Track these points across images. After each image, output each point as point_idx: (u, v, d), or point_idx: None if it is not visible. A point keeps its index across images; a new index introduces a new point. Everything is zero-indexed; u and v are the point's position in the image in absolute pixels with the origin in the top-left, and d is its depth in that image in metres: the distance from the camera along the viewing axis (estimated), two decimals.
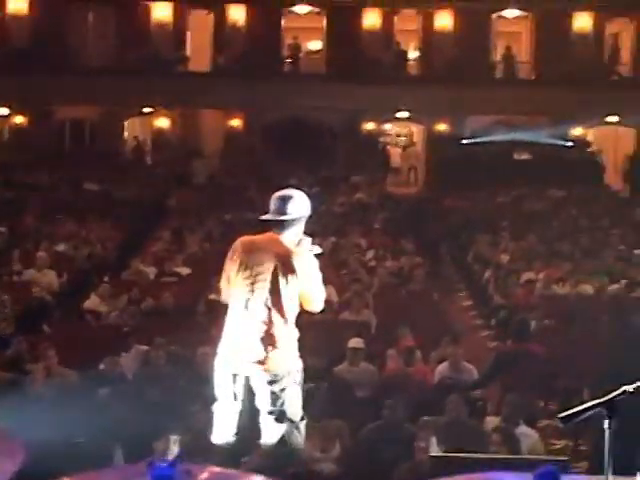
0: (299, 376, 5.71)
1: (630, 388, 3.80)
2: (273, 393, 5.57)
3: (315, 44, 33.15)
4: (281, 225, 5.56)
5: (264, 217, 5.60)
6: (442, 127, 30.58)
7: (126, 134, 32.52)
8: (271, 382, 5.55)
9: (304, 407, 8.53)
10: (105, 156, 29.86)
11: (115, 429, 7.82)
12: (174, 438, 6.86)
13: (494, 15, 31.62)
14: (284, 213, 5.56)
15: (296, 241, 5.59)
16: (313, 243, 5.69)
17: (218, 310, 13.49)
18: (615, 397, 3.79)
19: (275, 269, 5.45)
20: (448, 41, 31.13)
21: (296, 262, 5.46)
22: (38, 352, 10.54)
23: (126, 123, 32.42)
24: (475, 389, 10.10)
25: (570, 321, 13.52)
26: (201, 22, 31.64)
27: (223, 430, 5.72)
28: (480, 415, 9.12)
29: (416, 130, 34.06)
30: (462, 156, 27.81)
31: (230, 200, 23.21)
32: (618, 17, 31.58)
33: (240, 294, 5.59)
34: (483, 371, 10.44)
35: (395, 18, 31.69)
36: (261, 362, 5.52)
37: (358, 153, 29.89)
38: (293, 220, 5.55)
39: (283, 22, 31.80)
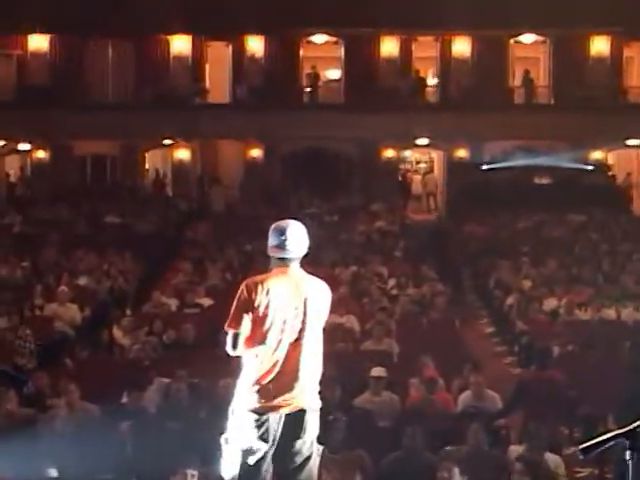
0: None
1: None
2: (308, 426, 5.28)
3: (333, 73, 33.27)
4: (293, 258, 5.34)
5: (281, 255, 5.31)
6: (461, 153, 30.58)
7: (147, 166, 32.70)
8: (307, 419, 5.26)
9: (324, 438, 8.53)
10: (125, 189, 30.06)
11: (135, 463, 7.82)
12: (191, 473, 6.85)
13: (511, 41, 31.67)
14: (297, 244, 5.34)
15: None
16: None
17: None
18: (637, 427, 3.74)
19: (305, 304, 5.22)
20: (466, 67, 31.18)
21: (322, 292, 5.33)
22: (60, 387, 10.55)
23: (147, 156, 32.62)
24: (498, 418, 10.03)
25: (593, 347, 13.42)
26: (220, 54, 31.83)
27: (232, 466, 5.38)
28: (503, 444, 9.05)
29: (435, 157, 34.06)
30: (482, 182, 27.78)
31: (250, 230, 23.22)
32: (635, 41, 31.51)
33: (269, 337, 5.20)
34: (506, 399, 10.35)
35: (413, 45, 31.77)
36: (290, 400, 5.20)
37: (377, 181, 29.91)
38: (302, 252, 5.36)
39: (301, 52, 31.95)
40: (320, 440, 8.47)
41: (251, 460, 5.20)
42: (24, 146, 31.00)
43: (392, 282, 17.90)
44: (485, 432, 8.48)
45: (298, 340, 5.17)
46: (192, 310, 15.94)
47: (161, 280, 19.95)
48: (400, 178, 32.27)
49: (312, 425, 5.28)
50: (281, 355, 5.18)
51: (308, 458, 5.28)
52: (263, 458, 5.21)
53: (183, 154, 31.24)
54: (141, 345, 13.26)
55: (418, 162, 35.72)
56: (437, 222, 27.73)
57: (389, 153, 30.96)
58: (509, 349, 15.81)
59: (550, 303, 15.97)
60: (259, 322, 5.18)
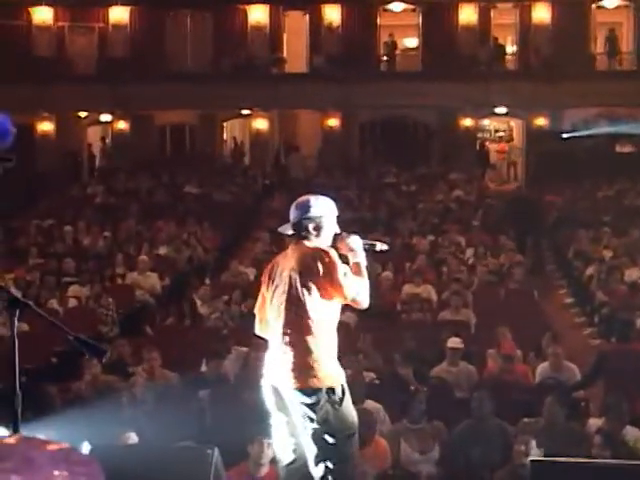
0: (339, 390, 5.10)
1: None
2: (309, 410, 5.05)
3: (411, 41, 32.98)
4: (301, 232, 5.17)
5: (279, 229, 5.38)
6: (541, 122, 30.11)
7: (225, 136, 32.93)
8: (304, 399, 5.05)
9: (404, 409, 8.55)
10: (205, 159, 30.33)
11: (213, 431, 7.93)
12: (268, 442, 6.91)
13: (593, 5, 31.01)
14: (293, 219, 5.22)
15: (328, 241, 5.21)
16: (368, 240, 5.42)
17: None
18: None
19: (291, 275, 5.06)
20: (546, 34, 30.62)
21: (312, 260, 5.03)
22: (141, 354, 10.74)
23: (225, 125, 32.84)
24: (577, 390, 9.93)
25: None
26: (297, 23, 31.78)
27: (283, 450, 5.33)
28: (583, 417, 8.96)
29: (515, 125, 33.66)
30: (562, 150, 27.38)
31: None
32: None
33: (271, 313, 5.20)
34: (585, 371, 10.24)
35: (491, 12, 31.33)
36: (293, 379, 5.06)
37: (456, 150, 29.68)
38: (311, 223, 5.16)
39: (378, 20, 31.71)
40: (401, 410, 8.54)
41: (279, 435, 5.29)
42: (105, 117, 31.44)
43: (470, 252, 17.80)
44: (563, 404, 8.39)
45: (294, 315, 5.05)
46: None
47: (239, 250, 20.14)
48: (478, 147, 31.96)
49: (315, 407, 5.00)
50: (278, 331, 5.11)
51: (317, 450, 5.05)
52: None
53: (261, 124, 31.34)
54: (219, 314, 13.44)
55: (497, 131, 35.34)
56: (516, 191, 27.41)
57: (467, 122, 30.62)
58: (589, 320, 15.61)
59: (632, 273, 15.70)
60: (263, 302, 5.29)
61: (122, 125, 31.38)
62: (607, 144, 27.82)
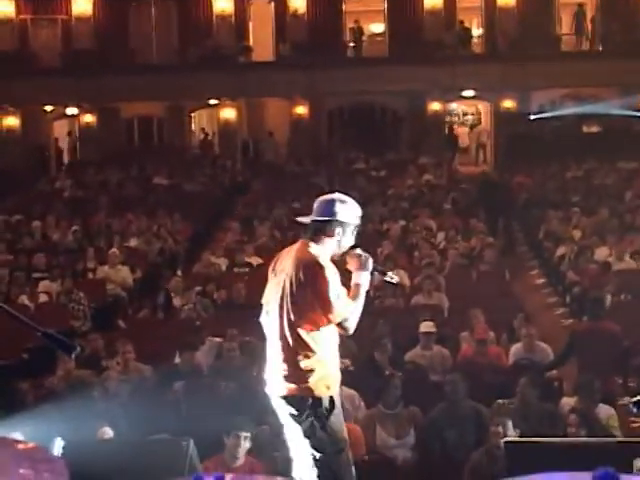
0: (327, 401, 4.85)
1: None
2: (293, 421, 4.87)
3: (377, 27, 32.97)
4: (312, 230, 4.93)
5: (299, 219, 5.05)
6: (509, 104, 30.18)
7: (193, 127, 32.80)
8: (288, 408, 4.88)
9: (380, 394, 8.56)
10: (173, 150, 30.21)
11: (188, 423, 7.90)
12: (244, 435, 6.91)
13: None
14: (316, 215, 4.93)
15: (339, 250, 4.96)
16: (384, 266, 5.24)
17: None
18: None
19: (285, 278, 4.86)
20: (511, 16, 30.67)
21: (305, 271, 4.79)
22: (114, 348, 10.69)
23: (193, 116, 32.70)
24: (550, 369, 9.99)
25: None
26: (262, 12, 31.65)
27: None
28: (556, 396, 9.01)
29: (482, 108, 33.74)
30: (530, 132, 27.51)
31: (298, 187, 23.26)
32: None
33: (269, 306, 4.99)
34: (558, 351, 10.30)
35: None
36: (278, 385, 4.90)
37: (425, 134, 29.72)
38: (329, 227, 4.90)
39: (344, 6, 31.65)
40: (376, 396, 8.55)
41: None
42: (72, 110, 31.23)
43: (441, 236, 17.85)
44: (537, 385, 8.43)
45: (282, 319, 4.87)
46: (242, 269, 16.04)
47: (211, 240, 20.09)
48: (447, 131, 32.02)
49: (298, 418, 4.81)
50: (270, 334, 4.96)
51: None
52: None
53: (229, 114, 31.24)
54: (192, 305, 13.38)
55: (465, 114, 35.43)
56: (486, 174, 27.50)
57: (436, 106, 30.66)
58: (560, 300, 15.72)
59: (602, 253, 15.82)
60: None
61: (89, 118, 31.19)
62: (574, 125, 27.95)
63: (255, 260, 16.47)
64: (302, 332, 4.81)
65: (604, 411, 8.10)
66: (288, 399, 4.84)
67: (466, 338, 10.91)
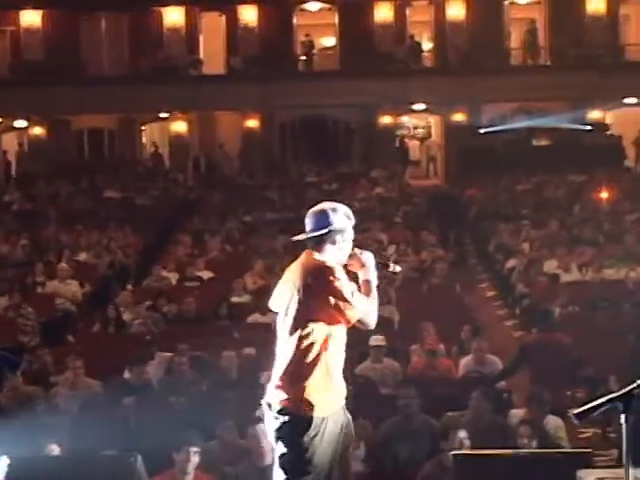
0: (301, 421, 4.65)
1: None
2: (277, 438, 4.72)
3: (328, 40, 33.10)
4: (314, 243, 4.83)
5: (294, 238, 4.96)
6: (460, 117, 30.44)
7: (144, 140, 32.63)
8: (275, 423, 4.72)
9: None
10: (124, 163, 30.01)
11: (137, 439, 7.83)
12: (194, 450, 6.86)
13: (507, 2, 31.44)
14: (313, 229, 4.84)
15: (344, 256, 4.88)
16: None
17: (241, 313, 13.59)
18: (631, 391, 3.73)
19: (291, 289, 4.76)
20: (461, 30, 30.97)
21: (314, 277, 4.69)
22: (63, 363, 10.57)
23: (144, 129, 32.54)
24: (499, 381, 10.04)
25: (594, 308, 13.44)
26: (213, 25, 31.65)
27: None
28: (506, 408, 9.05)
29: (434, 121, 33.95)
30: (481, 145, 27.69)
31: (250, 201, 23.23)
32: None
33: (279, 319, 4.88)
34: (507, 363, 10.37)
35: (407, 10, 31.57)
36: (270, 392, 4.77)
37: (376, 147, 29.84)
38: (329, 236, 4.81)
39: (295, 20, 31.76)
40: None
41: None
42: (21, 123, 30.90)
43: (392, 249, 17.88)
44: (489, 397, 8.47)
45: (286, 330, 4.74)
46: (192, 283, 15.96)
47: (162, 254, 19.94)
48: (398, 144, 32.17)
49: (275, 430, 4.68)
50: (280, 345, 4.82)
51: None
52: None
53: (180, 126, 31.16)
54: (142, 320, 13.27)
55: (416, 127, 35.63)
56: (437, 187, 27.67)
57: (387, 119, 30.82)
58: (510, 312, 15.83)
59: (551, 265, 15.96)
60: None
61: (38, 131, 30.91)
62: (524, 138, 28.19)
63: (206, 274, 16.40)
64: (299, 345, 4.67)
65: (552, 422, 8.15)
66: (272, 410, 4.71)
67: (416, 351, 10.94)
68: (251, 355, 10.80)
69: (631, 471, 3.88)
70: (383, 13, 31.10)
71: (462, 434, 7.46)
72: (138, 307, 14.03)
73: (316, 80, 30.16)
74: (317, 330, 4.66)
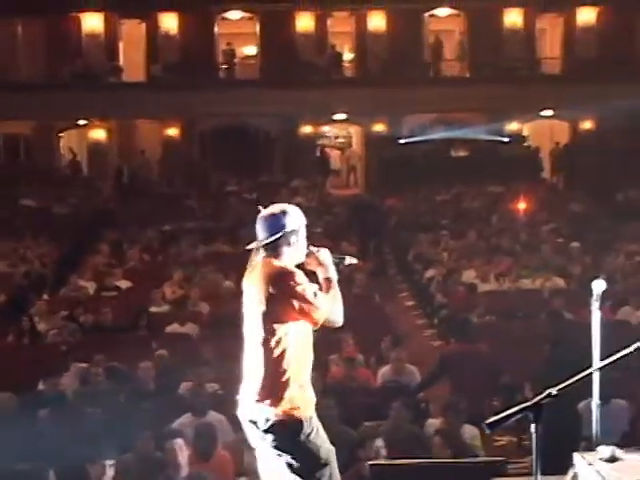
0: (307, 415, 4.73)
1: (554, 391, 3.79)
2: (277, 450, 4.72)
3: (250, 49, 33.06)
4: (271, 249, 4.83)
5: (249, 246, 4.94)
6: (380, 127, 30.64)
7: (62, 148, 32.15)
8: (268, 438, 4.71)
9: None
10: (41, 171, 29.52)
11: (52, 452, 7.68)
12: (109, 463, 6.76)
13: (426, 14, 31.77)
14: (267, 235, 4.84)
15: (301, 256, 4.92)
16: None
17: (159, 323, 13.45)
18: (540, 400, 3.77)
19: (256, 296, 4.75)
20: (382, 42, 31.20)
21: (276, 283, 4.71)
22: None
23: (62, 136, 32.06)
24: (418, 392, 10.10)
25: (511, 317, 13.62)
26: (133, 32, 31.36)
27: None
28: (424, 418, 9.11)
29: (354, 131, 34.12)
30: (401, 155, 27.89)
31: (169, 210, 23.05)
32: (547, 12, 31.91)
33: (246, 329, 4.88)
34: (425, 373, 10.43)
35: (328, 21, 31.71)
36: (251, 408, 4.74)
37: (297, 157, 29.88)
38: (284, 239, 4.83)
39: (216, 29, 31.65)
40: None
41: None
42: None
43: None
44: (408, 407, 8.51)
45: (256, 337, 4.74)
46: (110, 293, 15.77)
47: (79, 263, 19.66)
48: (319, 153, 32.25)
49: (272, 445, 4.66)
50: (246, 349, 4.82)
51: None
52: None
53: (99, 134, 30.79)
54: (58, 330, 13.06)
55: (337, 137, 35.77)
56: (357, 197, 27.79)
57: (308, 129, 30.89)
58: (429, 322, 15.95)
59: (469, 275, 16.13)
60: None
61: None
62: (443, 149, 28.49)
63: (124, 284, 16.23)
64: (272, 350, 4.68)
65: (469, 431, 8.23)
66: (254, 422, 4.67)
67: (335, 361, 10.93)
68: (170, 365, 10.70)
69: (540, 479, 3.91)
70: (304, 23, 31.19)
71: (379, 443, 7.49)
72: (54, 317, 13.81)
73: (237, 89, 30.08)
74: (285, 336, 4.68)
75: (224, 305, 13.80)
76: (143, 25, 31.19)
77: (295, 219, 4.89)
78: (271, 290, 4.68)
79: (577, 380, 3.95)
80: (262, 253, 4.86)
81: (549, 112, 30.54)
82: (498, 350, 11.26)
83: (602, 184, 26.06)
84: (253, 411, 4.69)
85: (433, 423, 8.47)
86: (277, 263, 4.79)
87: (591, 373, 4.39)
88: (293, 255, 4.87)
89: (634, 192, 24.84)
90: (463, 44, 32.07)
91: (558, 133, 31.99)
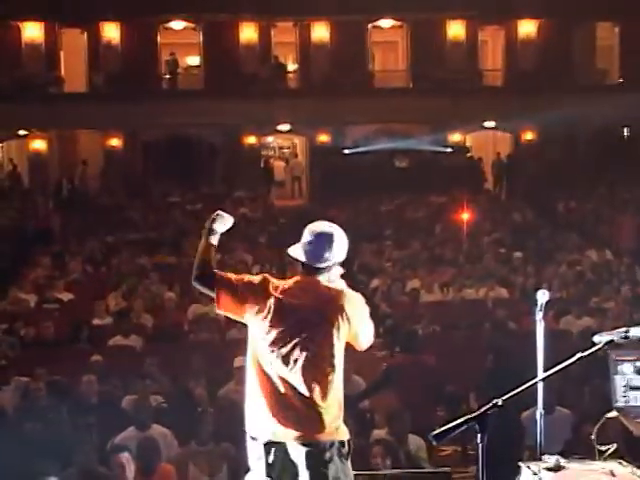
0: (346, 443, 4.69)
1: (500, 401, 3.79)
2: (316, 467, 4.58)
3: (193, 60, 32.94)
4: (318, 266, 4.76)
5: (303, 260, 4.78)
6: (324, 138, 30.71)
7: (1, 158, 31.73)
8: (313, 453, 4.58)
9: (193, 430, 8.43)
10: None
11: None
12: (52, 479, 6.64)
13: (370, 25, 31.92)
14: (324, 257, 4.76)
15: (337, 278, 4.86)
16: None
17: (101, 336, 13.28)
18: (486, 411, 3.77)
19: (319, 317, 4.62)
20: (325, 52, 31.30)
21: (346, 302, 4.68)
22: None
23: (1, 147, 31.64)
24: (362, 401, 10.08)
25: (455, 327, 13.68)
26: (74, 41, 31.05)
27: None
28: (369, 429, 9.09)
29: (298, 142, 34.15)
30: (345, 166, 27.98)
31: (111, 221, 22.84)
32: (489, 25, 32.25)
33: (266, 350, 4.67)
34: (369, 383, 10.42)
35: (272, 31, 31.71)
36: (302, 430, 4.58)
37: (240, 168, 29.80)
38: (331, 259, 4.78)
39: (159, 38, 31.48)
40: (189, 433, 8.40)
41: None
42: None
43: (256, 269, 17.82)
44: (350, 417, 8.46)
45: (308, 361, 4.59)
46: (52, 305, 15.54)
47: (19, 276, 19.35)
48: (263, 164, 32.21)
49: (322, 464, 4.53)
50: (281, 375, 4.61)
51: None
52: None
53: (39, 145, 30.43)
54: None
55: (281, 148, 35.78)
56: (301, 207, 27.78)
57: (251, 139, 30.85)
58: (374, 332, 15.93)
59: (413, 285, 16.19)
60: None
61: None
62: (387, 159, 28.62)
63: (66, 296, 16.01)
64: (328, 374, 4.63)
65: (413, 441, 8.23)
66: (313, 444, 4.56)
67: None
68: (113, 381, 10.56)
69: None
70: (248, 34, 31.15)
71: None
72: None
73: (180, 99, 29.94)
74: (339, 354, 4.67)
75: (167, 316, 13.70)
76: (84, 35, 30.91)
77: (343, 246, 4.88)
78: (347, 312, 4.64)
79: (523, 390, 3.96)
80: (310, 270, 4.76)
81: (491, 123, 30.85)
82: (442, 360, 11.30)
83: (543, 194, 26.38)
84: (304, 432, 4.55)
85: (379, 434, 8.46)
86: (335, 286, 4.76)
87: (536, 383, 4.40)
88: (331, 275, 4.83)
89: (575, 202, 25.17)
90: (406, 55, 32.26)
91: (500, 144, 32.35)
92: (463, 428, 3.73)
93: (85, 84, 30.88)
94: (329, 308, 4.64)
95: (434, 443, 3.91)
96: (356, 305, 4.73)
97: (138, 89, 29.25)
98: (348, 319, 4.65)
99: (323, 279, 4.76)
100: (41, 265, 18.61)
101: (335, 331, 4.61)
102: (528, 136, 31.38)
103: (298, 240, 4.73)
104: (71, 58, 31.10)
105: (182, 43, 32.08)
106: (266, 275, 4.85)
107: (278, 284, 4.73)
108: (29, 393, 10.12)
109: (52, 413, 9.61)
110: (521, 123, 29.89)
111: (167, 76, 31.70)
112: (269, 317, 4.64)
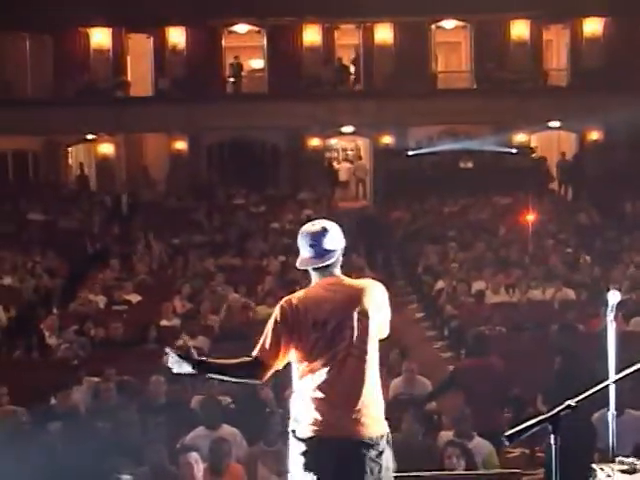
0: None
1: (573, 402, 3.79)
2: (372, 461, 4.62)
3: (257, 63, 33.13)
4: (330, 266, 4.85)
5: (312, 265, 4.87)
6: (387, 140, 30.65)
7: (70, 162, 32.24)
8: (367, 448, 4.61)
9: (261, 431, 8.51)
10: (49, 185, 29.60)
11: (65, 467, 7.68)
12: (124, 477, 6.75)
13: (433, 26, 31.81)
14: (327, 251, 4.84)
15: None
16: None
17: (170, 336, 13.46)
18: (559, 412, 3.77)
19: (354, 314, 4.70)
20: (388, 54, 31.24)
21: (372, 294, 4.78)
22: None
23: (70, 151, 32.14)
24: (428, 403, 10.08)
25: (521, 329, 13.59)
26: (141, 46, 31.45)
27: None
28: (436, 430, 9.09)
29: (362, 144, 34.14)
30: (408, 168, 27.93)
31: (177, 223, 23.08)
32: (553, 24, 31.95)
33: (316, 357, 4.70)
34: (436, 385, 10.42)
35: (335, 33, 31.76)
36: (356, 427, 4.63)
37: (304, 170, 29.90)
38: (337, 255, 4.86)
39: (223, 42, 31.70)
40: (257, 433, 8.48)
41: None
42: None
43: None
44: (420, 419, 8.49)
45: (356, 359, 4.66)
46: (120, 307, 15.78)
47: (88, 277, 19.68)
48: (327, 166, 32.28)
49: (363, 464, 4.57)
50: (330, 377, 4.65)
51: None
52: None
53: (107, 149, 30.84)
54: (69, 344, 13.06)
55: (345, 150, 35.79)
56: (365, 209, 27.80)
57: (315, 142, 30.91)
58: (439, 334, 15.93)
59: (478, 286, 16.12)
60: (280, 349, 4.81)
61: None
62: (451, 160, 28.50)
63: (134, 297, 16.24)
64: (374, 369, 4.73)
65: (481, 443, 8.21)
66: (373, 439, 4.63)
67: None
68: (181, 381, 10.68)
69: None
70: (311, 36, 31.25)
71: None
72: (64, 331, 13.82)
73: (244, 102, 30.14)
74: (376, 347, 4.75)
75: (234, 318, 13.81)
76: (150, 39, 31.28)
77: (340, 234, 4.96)
78: (375, 305, 4.76)
79: (595, 391, 3.95)
80: (324, 272, 4.84)
81: (556, 123, 30.55)
82: (509, 362, 11.23)
83: (609, 195, 26.05)
84: (364, 429, 4.62)
85: (446, 435, 8.46)
86: (356, 281, 4.87)
87: (609, 384, 4.39)
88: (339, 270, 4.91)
89: None
90: (469, 56, 32.11)
91: (565, 144, 32.00)
92: (536, 429, 3.74)
93: (151, 88, 31.23)
94: (361, 302, 4.73)
95: (507, 444, 3.91)
96: (383, 293, 4.84)
97: (203, 92, 29.51)
98: (379, 308, 4.79)
99: (341, 274, 4.87)
100: (110, 267, 18.89)
101: (371, 323, 4.71)
102: (594, 136, 30.99)
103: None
104: (137, 63, 31.50)
105: (246, 46, 32.30)
106: (281, 303, 4.91)
107: (298, 297, 4.85)
108: (100, 393, 10.29)
109: (122, 413, 9.76)
110: (587, 123, 29.52)
111: (231, 79, 31.89)
112: (309, 328, 4.74)
